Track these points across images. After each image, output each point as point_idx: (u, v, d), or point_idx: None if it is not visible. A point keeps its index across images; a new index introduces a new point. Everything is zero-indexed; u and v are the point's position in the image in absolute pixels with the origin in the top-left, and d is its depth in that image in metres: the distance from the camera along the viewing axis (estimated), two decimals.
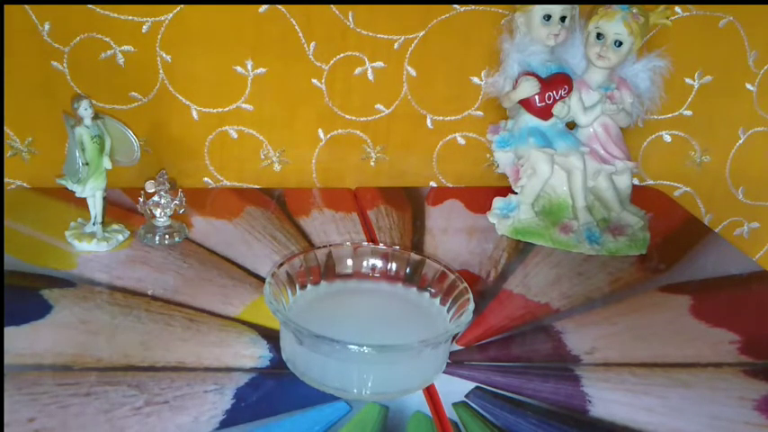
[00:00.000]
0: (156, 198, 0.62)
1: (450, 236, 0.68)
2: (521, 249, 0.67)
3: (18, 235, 0.62)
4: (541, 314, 0.57)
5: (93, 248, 0.60)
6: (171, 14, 0.68)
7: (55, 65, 0.68)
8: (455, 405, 0.46)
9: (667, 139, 0.83)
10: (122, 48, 0.68)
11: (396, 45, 0.73)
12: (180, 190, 0.63)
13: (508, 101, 0.68)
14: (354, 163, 0.78)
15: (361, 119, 0.76)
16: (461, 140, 0.79)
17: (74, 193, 0.60)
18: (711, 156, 0.84)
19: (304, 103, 0.74)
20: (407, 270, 0.54)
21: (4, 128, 0.70)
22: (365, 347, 0.43)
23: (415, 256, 0.54)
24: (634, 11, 0.64)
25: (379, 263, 0.55)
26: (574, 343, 0.53)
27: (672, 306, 0.59)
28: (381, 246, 0.56)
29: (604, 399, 0.47)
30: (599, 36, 0.65)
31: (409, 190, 0.78)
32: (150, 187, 0.62)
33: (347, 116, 0.76)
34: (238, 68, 0.71)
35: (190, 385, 0.45)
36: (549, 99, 0.66)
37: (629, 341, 0.54)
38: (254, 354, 0.49)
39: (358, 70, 0.73)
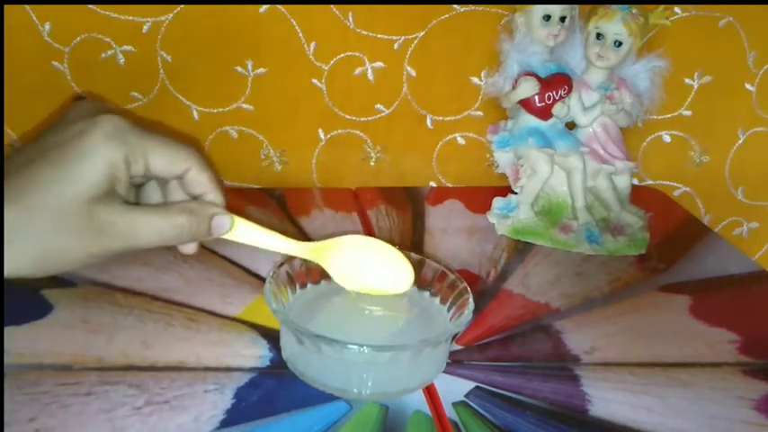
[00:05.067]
0: None
1: (450, 236, 0.68)
2: (520, 249, 0.67)
3: None
4: (541, 314, 0.57)
5: None
6: (171, 14, 0.68)
7: (55, 65, 0.68)
8: (455, 404, 0.46)
9: (667, 139, 0.83)
10: (123, 48, 0.68)
11: (396, 45, 0.73)
12: None
13: (508, 101, 0.68)
14: (354, 163, 0.78)
15: (362, 119, 0.76)
16: (461, 140, 0.79)
17: None
18: (711, 156, 0.84)
19: (304, 103, 0.74)
20: None
21: (5, 128, 0.70)
22: (365, 347, 0.43)
23: (414, 256, 0.54)
24: (634, 11, 0.64)
25: None
26: (573, 342, 0.53)
27: (671, 306, 0.59)
28: None
29: (604, 398, 0.47)
30: (599, 36, 0.65)
31: (409, 190, 0.78)
32: None
33: (347, 116, 0.76)
34: (239, 68, 0.71)
35: (190, 385, 0.46)
36: (549, 99, 0.66)
37: (629, 341, 0.54)
38: (254, 353, 0.49)
39: (358, 70, 0.74)
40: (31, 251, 0.36)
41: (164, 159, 0.39)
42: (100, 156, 0.37)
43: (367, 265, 0.49)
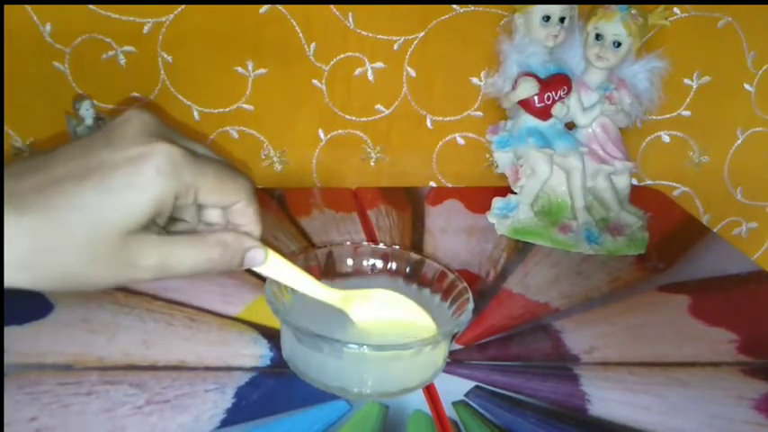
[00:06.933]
0: None
1: (450, 236, 0.68)
2: (520, 249, 0.67)
3: None
4: (541, 313, 0.57)
5: None
6: (172, 15, 0.68)
7: (56, 65, 0.68)
8: (455, 404, 0.46)
9: (666, 139, 0.83)
10: (124, 48, 0.68)
11: (396, 46, 0.73)
12: None
13: (507, 101, 0.68)
14: (354, 163, 0.78)
15: (362, 119, 0.76)
16: (461, 140, 0.79)
17: None
18: (710, 156, 0.84)
19: (304, 103, 0.74)
20: (407, 269, 0.54)
21: (6, 128, 0.70)
22: (365, 347, 0.43)
23: (414, 256, 0.54)
24: (633, 11, 0.64)
25: (379, 262, 0.55)
26: (573, 342, 0.54)
27: (670, 306, 0.59)
28: (381, 245, 0.56)
29: (603, 398, 0.48)
30: (598, 37, 0.65)
31: (409, 190, 0.78)
32: None
33: (347, 116, 0.76)
34: (239, 69, 0.71)
35: (191, 384, 0.46)
36: (548, 99, 0.66)
37: (628, 340, 0.54)
38: (254, 353, 0.49)
39: (358, 71, 0.74)
40: (55, 272, 0.34)
41: (214, 195, 0.37)
42: (150, 193, 0.34)
43: (392, 320, 0.48)
